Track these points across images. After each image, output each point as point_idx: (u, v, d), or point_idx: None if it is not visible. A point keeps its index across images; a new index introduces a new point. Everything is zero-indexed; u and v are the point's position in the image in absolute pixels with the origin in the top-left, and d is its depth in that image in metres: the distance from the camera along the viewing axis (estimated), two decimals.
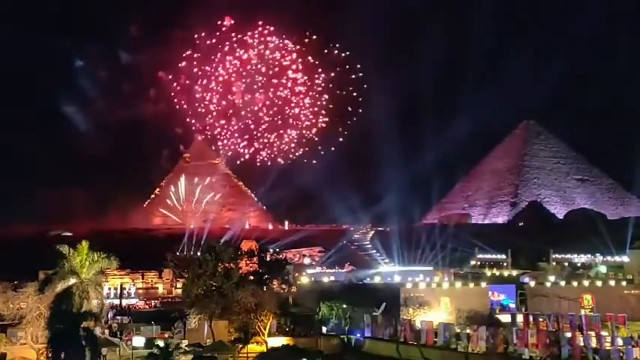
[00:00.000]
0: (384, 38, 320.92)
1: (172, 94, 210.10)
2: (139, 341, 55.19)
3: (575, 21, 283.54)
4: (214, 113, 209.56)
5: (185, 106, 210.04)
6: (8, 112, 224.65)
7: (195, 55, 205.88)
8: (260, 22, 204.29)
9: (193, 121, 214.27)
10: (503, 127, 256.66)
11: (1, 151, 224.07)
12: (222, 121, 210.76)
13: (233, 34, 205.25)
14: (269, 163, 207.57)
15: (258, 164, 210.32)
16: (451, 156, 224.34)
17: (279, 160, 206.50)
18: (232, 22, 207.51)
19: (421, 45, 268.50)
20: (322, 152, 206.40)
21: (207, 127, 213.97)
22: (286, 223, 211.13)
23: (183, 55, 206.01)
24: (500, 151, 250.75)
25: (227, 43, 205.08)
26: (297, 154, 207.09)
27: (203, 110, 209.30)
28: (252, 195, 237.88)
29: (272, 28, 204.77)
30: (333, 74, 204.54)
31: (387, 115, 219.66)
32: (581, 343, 49.77)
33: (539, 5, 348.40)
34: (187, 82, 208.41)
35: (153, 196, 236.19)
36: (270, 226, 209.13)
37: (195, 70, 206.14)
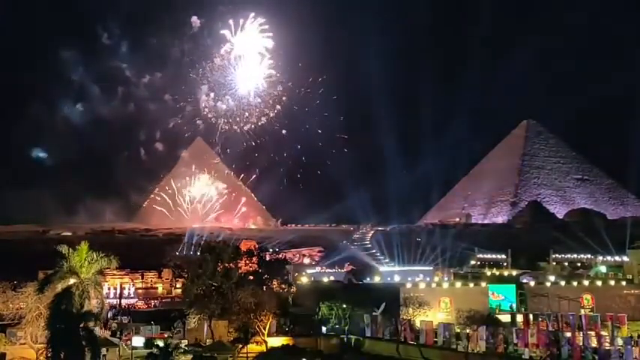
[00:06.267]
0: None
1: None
2: (138, 341, 55.06)
3: (576, 20, 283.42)
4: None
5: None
6: None
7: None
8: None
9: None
10: (504, 127, 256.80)
11: None
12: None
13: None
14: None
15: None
16: (451, 156, 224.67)
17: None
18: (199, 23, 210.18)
19: (421, 45, 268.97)
20: (322, 152, 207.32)
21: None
22: (280, 222, 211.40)
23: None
24: (500, 151, 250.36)
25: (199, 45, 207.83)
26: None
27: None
28: (253, 195, 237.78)
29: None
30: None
31: (387, 114, 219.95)
32: (581, 343, 49.74)
33: (539, 3, 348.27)
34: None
35: (152, 195, 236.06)
36: (270, 226, 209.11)
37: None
